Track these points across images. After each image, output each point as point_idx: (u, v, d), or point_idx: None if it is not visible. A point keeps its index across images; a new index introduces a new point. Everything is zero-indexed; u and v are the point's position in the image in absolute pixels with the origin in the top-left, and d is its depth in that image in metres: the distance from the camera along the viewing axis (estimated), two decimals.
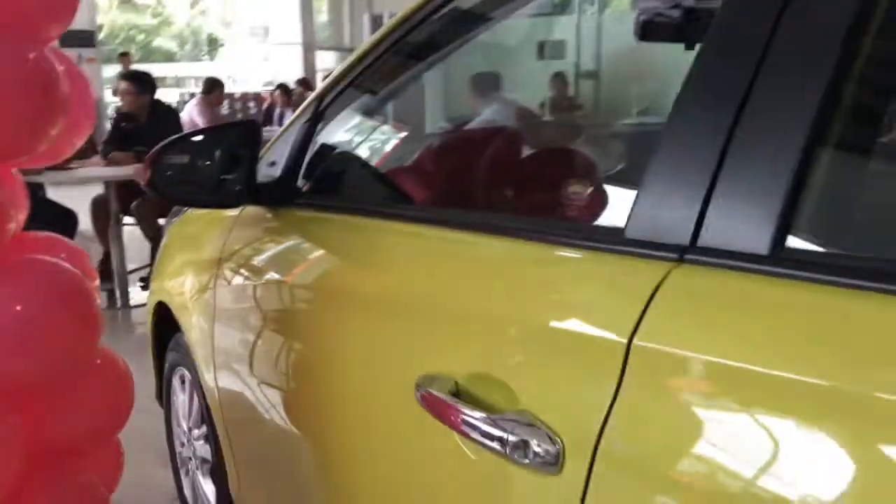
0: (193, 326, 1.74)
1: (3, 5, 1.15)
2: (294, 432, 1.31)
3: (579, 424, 0.69)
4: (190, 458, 2.02)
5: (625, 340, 0.65)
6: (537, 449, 0.71)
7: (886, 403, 0.52)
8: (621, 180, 0.77)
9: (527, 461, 0.72)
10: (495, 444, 0.74)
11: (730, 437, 0.59)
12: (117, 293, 4.34)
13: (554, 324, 0.76)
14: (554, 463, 0.70)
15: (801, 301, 0.59)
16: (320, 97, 1.40)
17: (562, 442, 0.70)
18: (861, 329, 0.56)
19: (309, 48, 11.58)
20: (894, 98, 0.74)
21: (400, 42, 1.25)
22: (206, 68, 19.02)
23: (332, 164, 1.42)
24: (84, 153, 4.29)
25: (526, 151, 1.52)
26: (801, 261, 0.60)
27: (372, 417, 1.03)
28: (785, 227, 0.60)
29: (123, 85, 4.67)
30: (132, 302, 4.35)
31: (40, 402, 1.25)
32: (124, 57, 11.89)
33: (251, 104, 9.76)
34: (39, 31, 1.22)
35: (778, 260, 0.60)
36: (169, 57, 23.91)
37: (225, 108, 8.32)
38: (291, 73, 10.75)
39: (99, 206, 4.50)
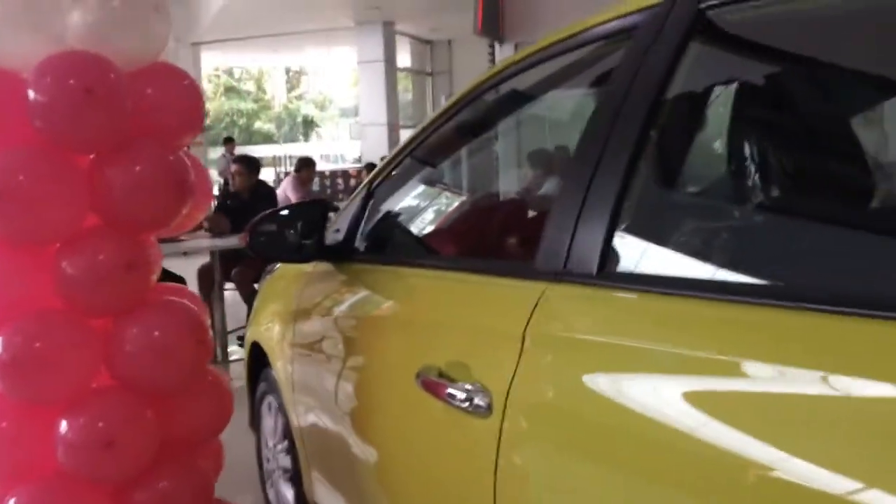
0: (278, 360, 2.23)
1: (151, 124, 1.69)
2: (347, 430, 1.74)
3: (499, 383, 1.11)
4: (274, 471, 2.48)
5: (522, 328, 1.08)
6: (480, 402, 1.13)
7: (671, 356, 0.91)
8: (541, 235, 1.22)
9: (476, 411, 1.14)
10: (461, 403, 1.17)
11: (586, 385, 0.99)
12: (218, 349, 4.91)
13: (489, 324, 1.20)
14: (488, 409, 1.12)
15: (611, 298, 1.01)
16: (371, 180, 1.90)
17: (491, 395, 1.12)
18: (647, 312, 0.97)
19: (393, 127, 12.33)
20: (675, 173, 1.15)
21: (437, 129, 1.73)
22: (302, 148, 20.25)
23: (380, 229, 1.89)
24: (192, 229, 4.94)
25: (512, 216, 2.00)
26: (611, 276, 1.03)
27: (392, 397, 1.47)
28: (604, 257, 1.02)
29: (235, 167, 5.35)
30: (231, 357, 4.93)
31: (169, 403, 1.74)
32: (229, 143, 12.89)
33: (339, 181, 10.53)
34: (176, 139, 1.75)
35: (601, 276, 1.02)
36: (268, 138, 25.37)
37: (316, 185, 9.04)
38: (378, 151, 11.44)
39: (204, 274, 5.12)
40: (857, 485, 0.66)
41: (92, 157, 1.60)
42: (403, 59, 14.02)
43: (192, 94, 1.70)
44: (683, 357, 0.89)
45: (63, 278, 1.58)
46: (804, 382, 0.75)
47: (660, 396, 0.89)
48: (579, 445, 0.97)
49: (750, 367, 0.81)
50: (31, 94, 1.49)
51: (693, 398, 0.84)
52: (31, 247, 1.60)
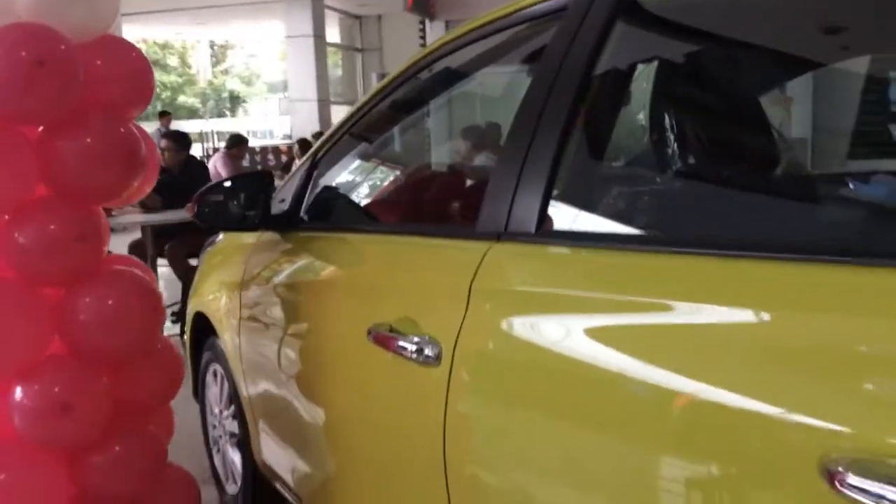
0: (225, 329, 2.29)
1: (100, 96, 1.71)
2: (298, 391, 1.83)
3: (448, 334, 1.21)
4: (220, 437, 2.54)
5: (468, 284, 1.19)
6: (430, 353, 1.24)
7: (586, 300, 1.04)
8: (482, 198, 1.33)
9: (426, 360, 1.24)
10: (411, 354, 1.27)
11: (528, 332, 1.10)
12: None
13: (434, 281, 1.31)
14: (437, 359, 1.23)
15: (549, 254, 1.13)
16: (315, 152, 1.97)
17: (440, 346, 1.23)
18: (581, 264, 1.09)
19: (324, 103, 12.23)
20: (603, 142, 1.28)
21: (375, 105, 1.82)
22: (228, 124, 19.84)
23: (325, 199, 1.97)
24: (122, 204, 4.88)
25: (437, 183, 2.12)
26: (548, 234, 1.15)
27: (343, 356, 1.56)
28: (542, 217, 1.14)
29: (165, 143, 5.30)
30: (164, 333, 4.89)
31: (122, 370, 1.79)
32: (165, 116, 12.55)
33: (270, 157, 10.43)
34: (125, 112, 1.78)
35: (539, 235, 1.14)
36: (193, 113, 24.75)
37: (246, 161, 8.95)
38: (308, 127, 11.35)
39: (136, 250, 5.08)
40: (755, 402, 0.78)
41: (41, 128, 1.62)
42: (333, 34, 13.88)
43: (140, 66, 1.73)
44: (613, 302, 1.01)
45: (14, 249, 1.61)
46: (717, 316, 0.87)
47: (594, 339, 1.00)
48: (521, 389, 1.09)
49: (670, 306, 0.93)
50: None
51: (623, 338, 0.96)
52: None
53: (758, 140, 1.28)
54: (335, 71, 14.93)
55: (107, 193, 1.69)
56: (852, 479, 0.66)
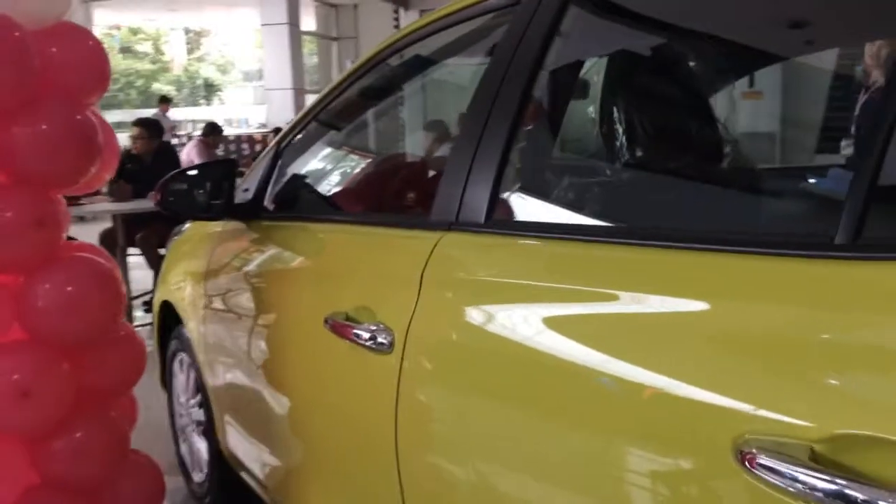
0: (190, 318, 2.29)
1: (57, 83, 1.71)
2: (259, 379, 1.84)
3: (400, 322, 1.23)
4: (187, 425, 2.55)
5: (420, 273, 1.21)
6: (383, 340, 1.26)
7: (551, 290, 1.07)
8: (436, 191, 1.35)
9: (379, 348, 1.26)
10: (366, 342, 1.29)
11: (476, 319, 1.13)
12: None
13: (389, 270, 1.33)
14: (390, 346, 1.25)
15: (497, 243, 1.15)
16: (279, 141, 1.98)
17: (393, 334, 1.25)
18: (528, 253, 1.12)
19: (298, 92, 12.15)
20: (552, 134, 1.31)
21: (339, 95, 1.83)
22: (203, 112, 19.66)
23: (288, 188, 1.98)
24: (90, 192, 4.84)
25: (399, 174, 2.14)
26: (497, 224, 1.17)
27: (302, 344, 1.58)
28: (491, 207, 1.16)
29: (136, 130, 5.26)
30: (136, 322, 4.88)
31: (83, 356, 1.78)
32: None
33: (244, 146, 10.36)
34: (82, 99, 1.78)
35: (488, 225, 1.16)
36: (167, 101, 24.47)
37: (220, 150, 8.89)
38: (283, 116, 11.28)
39: (106, 239, 5.04)
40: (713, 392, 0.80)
41: None
42: (308, 22, 13.77)
43: (96, 53, 1.73)
44: (557, 290, 1.04)
45: None
46: (655, 304, 0.90)
47: (538, 327, 1.03)
48: (468, 376, 1.11)
49: (609, 295, 0.96)
50: None
51: (566, 325, 0.99)
52: None
53: (705, 133, 1.31)
54: (311, 59, 14.83)
55: (64, 179, 1.69)
56: (762, 460, 0.69)
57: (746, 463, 0.70)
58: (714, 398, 0.77)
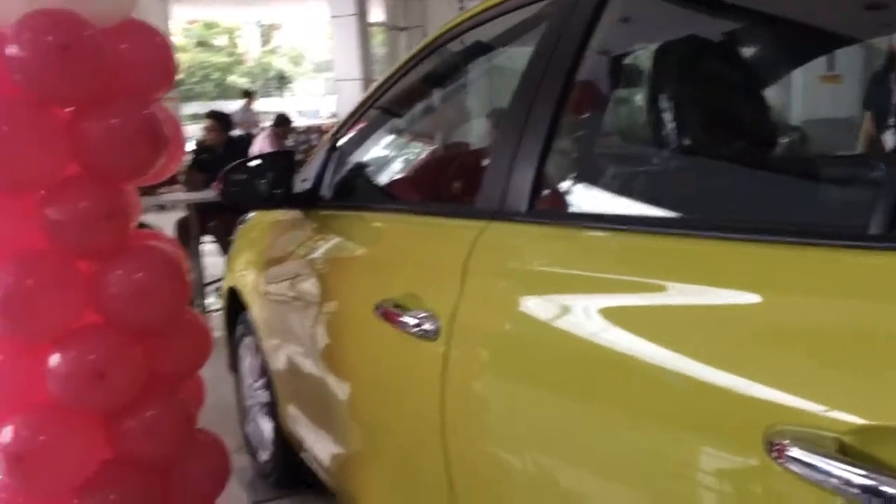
0: (253, 303, 2.37)
1: (125, 79, 1.79)
2: (314, 363, 1.90)
3: (446, 310, 1.26)
4: (253, 406, 2.64)
5: (464, 261, 1.23)
6: (429, 327, 1.28)
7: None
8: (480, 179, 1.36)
9: (426, 335, 1.29)
10: (413, 329, 1.32)
11: (518, 307, 1.14)
12: (196, 301, 5.04)
13: (435, 258, 1.35)
14: (436, 334, 1.27)
15: (539, 232, 1.16)
16: (335, 133, 2.02)
17: (440, 321, 1.27)
18: (569, 242, 1.12)
19: (367, 82, 12.28)
20: (596, 122, 1.29)
21: (392, 86, 1.86)
22: (276, 103, 20.06)
23: (344, 178, 2.02)
24: (168, 182, 5.04)
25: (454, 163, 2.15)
26: (539, 213, 1.17)
27: (355, 330, 1.62)
28: (533, 197, 1.16)
29: (209, 122, 5.44)
30: (211, 308, 5.06)
31: (152, 340, 1.87)
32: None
33: (314, 136, 10.55)
34: (149, 94, 1.86)
35: (531, 214, 1.17)
36: (241, 93, 25.07)
37: (290, 140, 9.09)
38: (352, 106, 11.41)
39: (181, 227, 5.24)
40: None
41: (70, 110, 1.70)
42: (377, 13, 13.89)
43: (163, 50, 1.80)
44: (602, 280, 1.04)
45: (48, 224, 1.70)
46: (707, 297, 0.89)
47: (584, 316, 1.04)
48: (514, 364, 1.13)
49: (657, 285, 0.96)
50: (11, 49, 1.59)
51: (612, 315, 0.99)
52: (17, 193, 1.72)
53: (759, 119, 1.28)
54: (379, 50, 14.95)
55: (133, 172, 1.77)
56: (793, 452, 0.68)
57: (776, 454, 0.69)
58: (748, 387, 0.77)
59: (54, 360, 1.72)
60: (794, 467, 0.68)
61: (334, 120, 11.93)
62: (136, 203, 1.91)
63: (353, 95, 12.21)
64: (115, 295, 1.79)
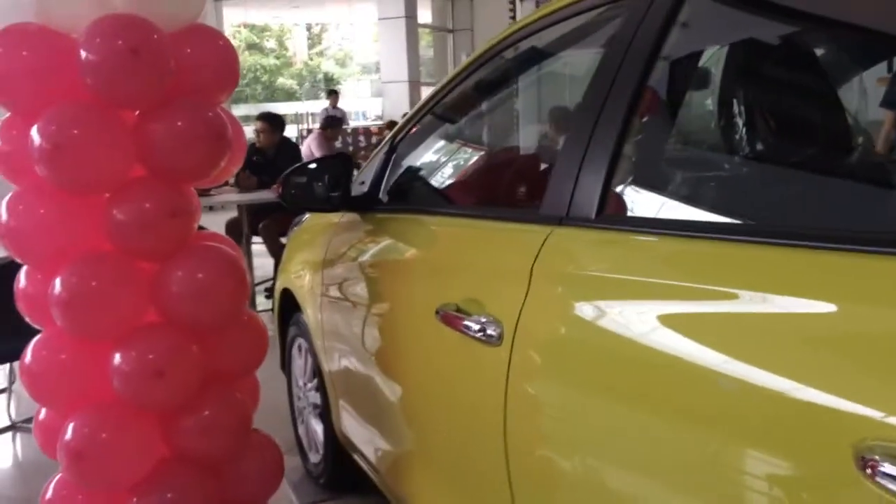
0: (308, 305, 2.39)
1: (190, 82, 1.81)
2: (372, 366, 1.90)
3: (510, 315, 1.24)
4: (304, 408, 2.66)
5: (530, 266, 1.22)
6: (493, 332, 1.27)
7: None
8: (547, 185, 1.34)
9: (489, 340, 1.28)
10: (475, 334, 1.31)
11: (584, 314, 1.13)
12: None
13: (499, 263, 1.34)
14: (499, 338, 1.26)
15: (608, 239, 1.14)
16: (393, 136, 2.02)
17: (503, 326, 1.26)
18: (639, 250, 1.10)
19: (414, 85, 12.34)
20: (667, 127, 1.27)
21: (453, 89, 1.85)
22: (323, 105, 20.26)
23: (402, 181, 2.02)
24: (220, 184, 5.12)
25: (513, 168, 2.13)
26: (608, 220, 1.15)
27: (414, 334, 1.62)
28: (602, 203, 1.14)
29: (260, 124, 5.51)
30: (258, 308, 5.13)
31: (210, 339, 1.90)
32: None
33: (361, 138, 10.64)
34: (213, 96, 1.88)
35: (599, 220, 1.15)
36: (290, 95, 25.44)
37: (338, 142, 9.17)
38: (399, 108, 11.49)
39: (232, 227, 5.32)
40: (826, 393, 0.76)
41: (137, 112, 1.74)
42: (424, 15, 13.95)
43: (227, 53, 1.82)
44: (672, 287, 1.02)
45: (113, 225, 1.73)
46: (780, 307, 0.86)
47: (653, 323, 1.01)
48: (577, 370, 1.11)
49: (728, 293, 0.93)
50: (82, 53, 1.62)
51: (681, 323, 0.96)
52: (85, 195, 1.75)
53: (833, 126, 1.24)
54: (426, 52, 15.01)
55: (196, 173, 1.80)
56: (886, 468, 0.65)
57: (868, 470, 0.67)
58: (835, 401, 0.74)
59: (117, 358, 1.75)
60: (889, 484, 0.65)
61: (381, 122, 12.01)
62: (198, 204, 1.93)
63: (399, 97, 12.32)
64: (177, 294, 1.81)
